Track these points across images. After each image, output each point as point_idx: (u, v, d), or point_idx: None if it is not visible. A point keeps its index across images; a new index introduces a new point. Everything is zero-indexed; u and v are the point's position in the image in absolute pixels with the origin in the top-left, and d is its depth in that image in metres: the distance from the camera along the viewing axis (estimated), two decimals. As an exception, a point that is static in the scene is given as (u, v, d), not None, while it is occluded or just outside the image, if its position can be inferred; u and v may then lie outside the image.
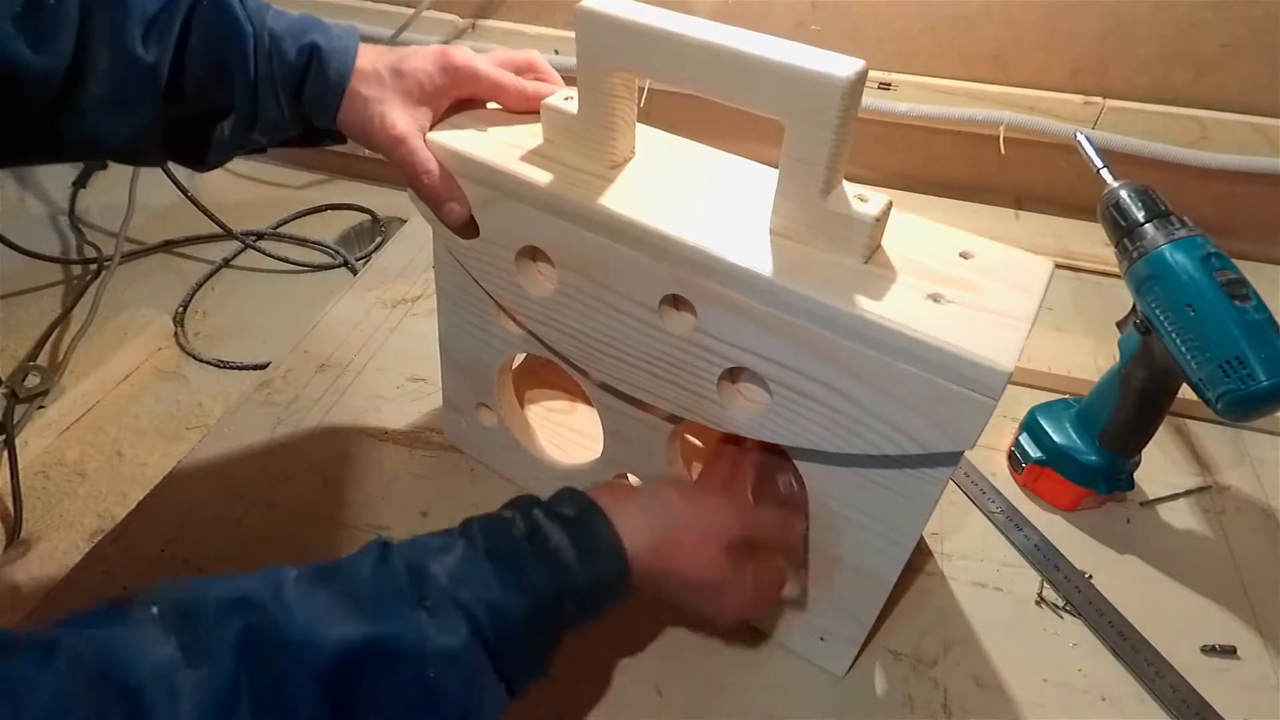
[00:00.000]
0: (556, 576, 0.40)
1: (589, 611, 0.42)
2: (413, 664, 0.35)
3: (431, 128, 0.49)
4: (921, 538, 0.59)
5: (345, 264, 0.96)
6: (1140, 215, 0.55)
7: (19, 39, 0.39)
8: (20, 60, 0.39)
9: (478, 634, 0.36)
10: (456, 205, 0.50)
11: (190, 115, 0.47)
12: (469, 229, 0.52)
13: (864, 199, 0.40)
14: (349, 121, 0.48)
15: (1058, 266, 0.42)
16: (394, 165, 0.49)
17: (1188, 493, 0.67)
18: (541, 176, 0.46)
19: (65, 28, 0.41)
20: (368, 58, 0.48)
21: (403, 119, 0.48)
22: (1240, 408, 0.51)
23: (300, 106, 0.48)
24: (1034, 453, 0.66)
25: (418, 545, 0.39)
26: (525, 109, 0.50)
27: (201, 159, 0.50)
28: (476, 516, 0.42)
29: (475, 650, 0.36)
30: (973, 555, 0.62)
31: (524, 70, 0.51)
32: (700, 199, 0.44)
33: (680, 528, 0.44)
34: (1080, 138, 0.59)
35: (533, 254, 0.51)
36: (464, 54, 0.49)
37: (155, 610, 0.32)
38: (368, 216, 1.05)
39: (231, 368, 0.82)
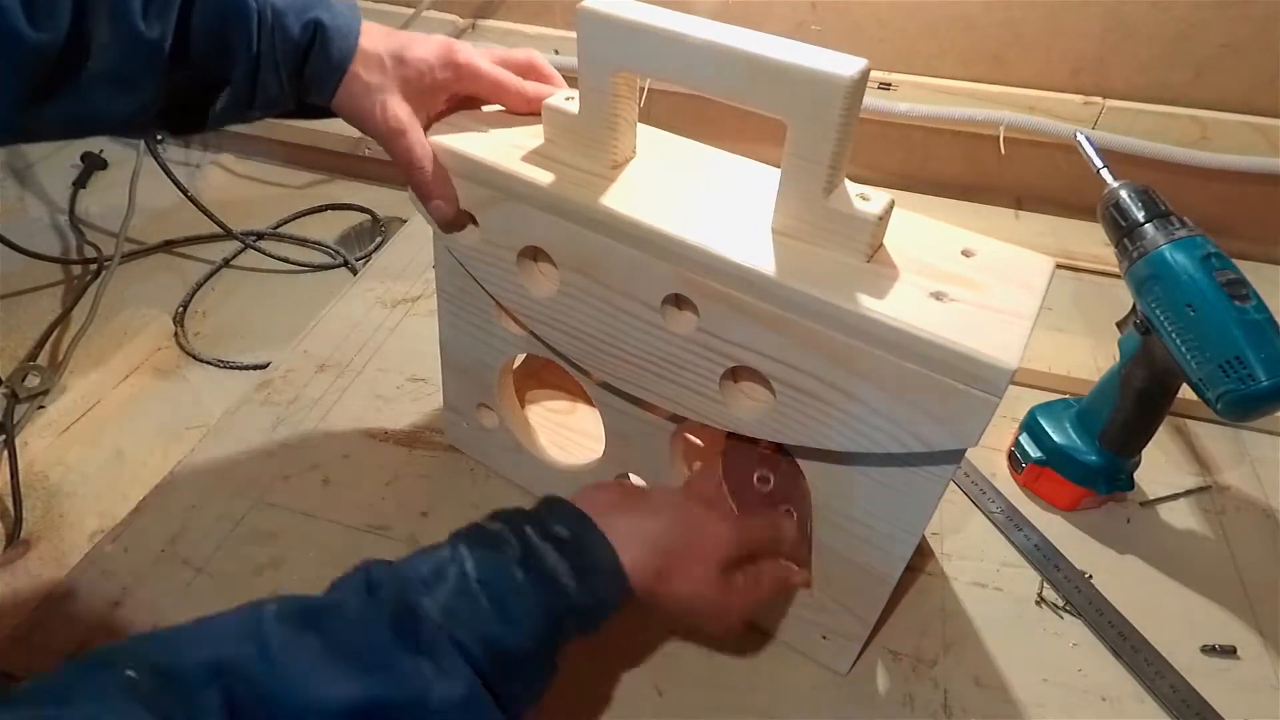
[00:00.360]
0: (555, 602, 0.39)
1: (588, 628, 0.41)
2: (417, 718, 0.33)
3: (428, 122, 0.49)
4: (922, 538, 0.59)
5: (345, 264, 0.96)
6: (1140, 215, 0.55)
7: (18, 12, 0.38)
8: (19, 34, 0.38)
9: (479, 675, 0.35)
10: (443, 203, 0.50)
11: (186, 88, 0.45)
12: (456, 225, 0.52)
13: (866, 198, 0.40)
14: (346, 104, 0.48)
15: (1058, 266, 0.42)
16: (390, 155, 0.49)
17: (1188, 493, 0.67)
18: (543, 177, 0.46)
19: (61, 1, 0.39)
20: (370, 39, 0.47)
21: (404, 110, 0.47)
22: (1240, 408, 0.51)
23: (300, 82, 0.47)
24: (1034, 453, 0.66)
25: (405, 575, 0.37)
26: (526, 110, 0.50)
27: (191, 130, 0.48)
28: (464, 532, 0.40)
29: (477, 692, 0.35)
30: (973, 555, 0.62)
31: (524, 70, 0.51)
32: (702, 198, 0.44)
33: (678, 547, 0.43)
34: (1080, 138, 0.59)
35: (534, 254, 0.51)
36: (467, 51, 0.49)
37: (131, 676, 0.29)
38: (368, 216, 1.05)
39: (231, 368, 0.82)
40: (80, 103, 0.41)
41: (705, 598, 0.44)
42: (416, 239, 0.95)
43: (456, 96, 0.51)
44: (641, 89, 0.66)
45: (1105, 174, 0.57)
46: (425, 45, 0.48)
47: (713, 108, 0.47)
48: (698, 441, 0.62)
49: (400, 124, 0.47)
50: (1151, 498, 0.67)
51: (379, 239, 1.00)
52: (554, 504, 0.43)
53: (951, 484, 0.60)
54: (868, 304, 0.38)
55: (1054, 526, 0.64)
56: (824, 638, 0.54)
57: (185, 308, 0.89)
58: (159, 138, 1.02)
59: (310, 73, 0.47)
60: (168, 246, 0.98)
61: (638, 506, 0.44)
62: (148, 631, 0.33)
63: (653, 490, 0.47)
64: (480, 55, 0.50)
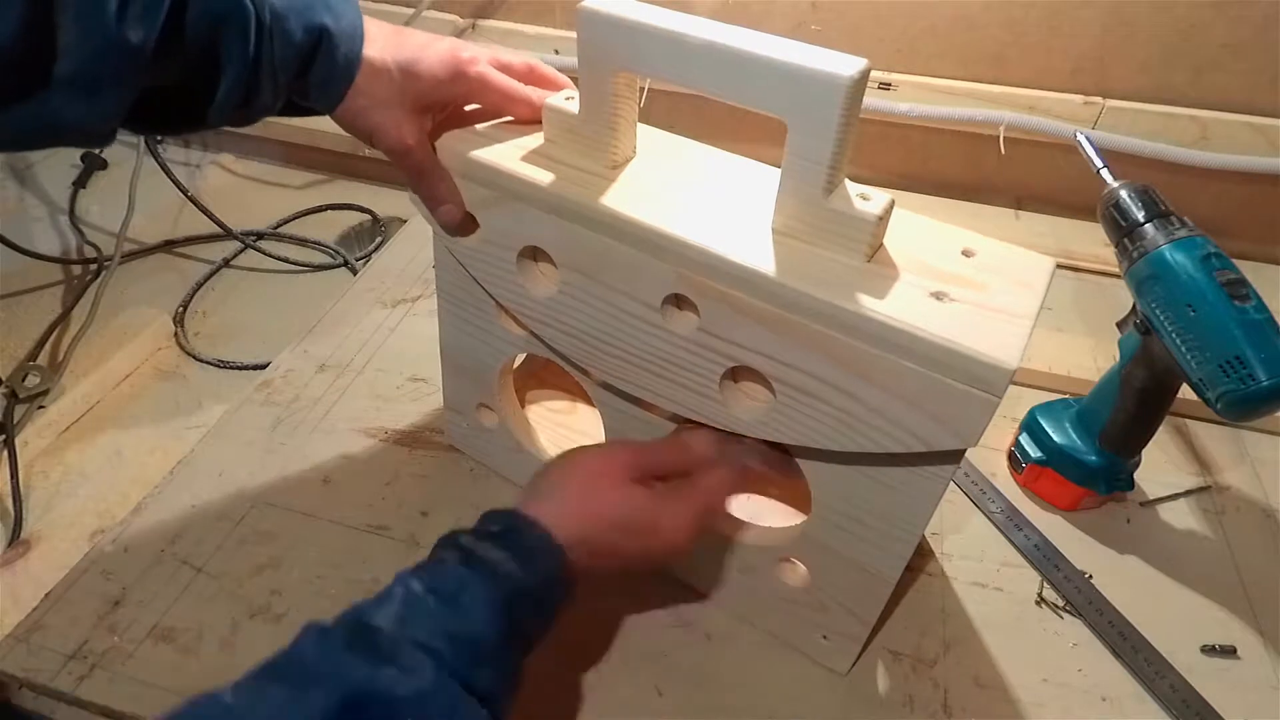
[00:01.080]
0: (503, 586, 0.40)
1: (544, 610, 0.42)
2: (387, 715, 0.34)
3: (432, 129, 0.49)
4: (922, 538, 0.59)
5: (345, 264, 0.96)
6: (1140, 215, 0.55)
7: None
8: None
9: (443, 667, 0.36)
10: (452, 207, 0.50)
11: (169, 92, 0.42)
12: (462, 230, 0.52)
13: (866, 197, 0.40)
14: (351, 115, 0.46)
15: (1058, 266, 0.42)
16: (399, 168, 0.49)
17: (1188, 493, 0.67)
18: (543, 177, 0.46)
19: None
20: (376, 46, 0.45)
21: (414, 128, 0.47)
22: (1240, 408, 0.51)
23: (298, 86, 0.45)
24: (1034, 453, 0.66)
25: (353, 609, 0.38)
26: (533, 119, 0.50)
27: (171, 131, 0.46)
28: (407, 569, 0.41)
29: (446, 684, 0.35)
30: (973, 555, 0.62)
31: (524, 76, 0.51)
32: (702, 198, 0.44)
33: (582, 479, 0.46)
34: (1080, 138, 0.59)
35: (534, 254, 0.51)
36: (478, 65, 0.48)
37: None
38: (368, 216, 1.05)
39: (231, 368, 0.82)
40: (39, 109, 0.37)
41: (631, 512, 0.46)
42: (416, 239, 0.95)
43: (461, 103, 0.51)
44: (641, 89, 0.66)
45: (1105, 174, 0.58)
46: (435, 55, 0.47)
47: (713, 108, 0.47)
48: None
49: (413, 140, 0.47)
50: (1151, 498, 0.67)
51: (379, 239, 1.00)
52: (487, 512, 0.45)
53: (951, 484, 0.60)
54: (868, 304, 0.38)
55: (1054, 526, 0.64)
56: (824, 638, 0.54)
57: (185, 308, 0.89)
58: (158, 138, 1.02)
59: (313, 79, 0.45)
60: (168, 246, 0.98)
61: (546, 480, 0.47)
62: None
63: (554, 459, 0.50)
64: (488, 63, 0.49)
